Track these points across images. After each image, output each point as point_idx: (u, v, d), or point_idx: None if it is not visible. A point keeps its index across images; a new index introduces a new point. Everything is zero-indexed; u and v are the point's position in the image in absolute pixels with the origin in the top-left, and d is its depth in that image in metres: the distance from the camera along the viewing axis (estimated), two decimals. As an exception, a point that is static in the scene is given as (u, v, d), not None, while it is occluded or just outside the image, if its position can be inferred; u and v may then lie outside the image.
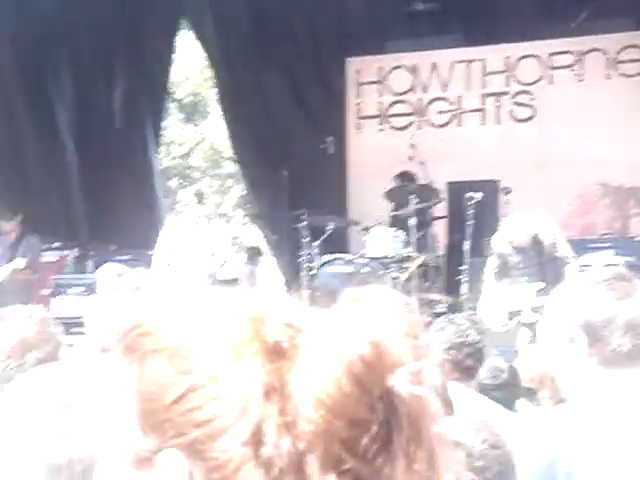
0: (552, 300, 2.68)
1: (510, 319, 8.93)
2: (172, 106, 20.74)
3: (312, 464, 0.89)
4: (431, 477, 0.93)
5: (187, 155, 27.64)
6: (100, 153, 13.57)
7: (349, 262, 10.39)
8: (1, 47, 12.76)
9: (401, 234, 10.65)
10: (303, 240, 10.67)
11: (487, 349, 4.66)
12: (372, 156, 13.60)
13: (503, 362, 5.00)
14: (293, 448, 0.89)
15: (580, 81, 13.10)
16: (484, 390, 4.58)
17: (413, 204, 10.51)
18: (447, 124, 13.83)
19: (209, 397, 0.92)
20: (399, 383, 0.91)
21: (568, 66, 13.15)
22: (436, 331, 4.48)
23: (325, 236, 10.63)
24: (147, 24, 14.11)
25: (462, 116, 13.78)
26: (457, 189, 11.35)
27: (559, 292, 2.68)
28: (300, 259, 10.66)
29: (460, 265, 10.06)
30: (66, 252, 11.71)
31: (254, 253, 14.53)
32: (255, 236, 16.64)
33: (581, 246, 10.83)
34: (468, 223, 9.91)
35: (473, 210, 9.92)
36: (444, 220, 11.98)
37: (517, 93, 13.49)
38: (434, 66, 13.84)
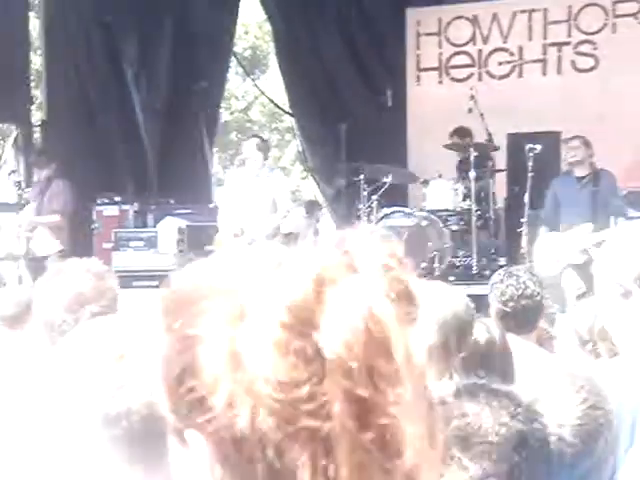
0: (607, 252, 2.63)
1: (558, 261, 8.95)
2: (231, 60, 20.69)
3: (277, 435, 0.89)
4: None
5: (247, 109, 27.70)
6: (162, 107, 13.65)
7: (409, 215, 10.36)
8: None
9: (460, 186, 10.60)
10: (362, 193, 10.65)
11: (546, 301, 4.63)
12: (432, 108, 13.49)
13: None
14: (254, 419, 0.89)
15: (644, 30, 12.85)
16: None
17: (472, 157, 10.44)
18: (508, 75, 13.66)
19: (195, 377, 0.93)
20: (326, 342, 0.90)
21: (632, 14, 12.89)
22: (495, 283, 4.47)
23: (384, 189, 10.60)
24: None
25: (523, 67, 13.60)
26: (517, 141, 11.23)
27: (614, 244, 2.63)
28: (359, 212, 10.65)
29: (520, 217, 9.98)
30: (127, 206, 11.82)
31: (313, 207, 14.55)
32: (314, 190, 16.62)
33: (644, 197, 10.71)
34: (528, 175, 9.82)
35: (533, 162, 9.82)
36: (504, 173, 11.87)
37: (579, 43, 13.26)
38: (494, 16, 13.64)
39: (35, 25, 14.00)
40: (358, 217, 10.60)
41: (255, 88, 21.46)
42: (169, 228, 11.18)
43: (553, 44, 13.44)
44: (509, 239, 10.96)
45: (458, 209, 10.57)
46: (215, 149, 17.37)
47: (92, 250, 10.88)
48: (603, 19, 13.09)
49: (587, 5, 13.12)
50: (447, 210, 10.58)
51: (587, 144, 9.56)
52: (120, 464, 1.74)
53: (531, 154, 9.82)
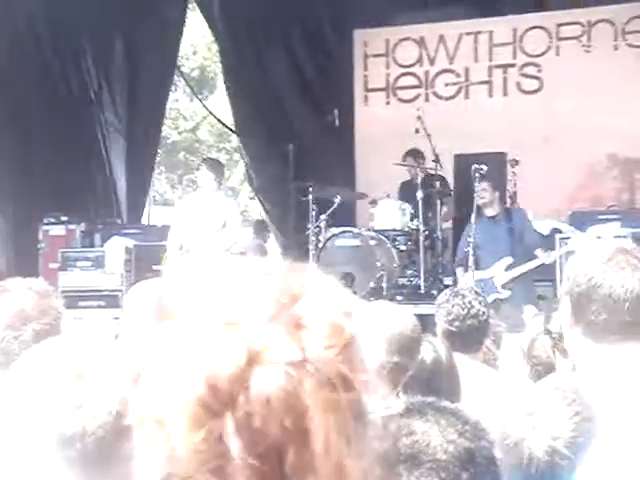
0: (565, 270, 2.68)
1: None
2: (179, 80, 20.68)
3: None
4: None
5: (195, 129, 27.64)
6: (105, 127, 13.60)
7: (357, 235, 10.40)
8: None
9: (408, 207, 10.66)
10: (310, 213, 10.67)
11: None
12: (379, 129, 13.57)
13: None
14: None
15: (587, 52, 13.05)
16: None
17: (419, 179, 10.55)
18: (454, 96, 13.79)
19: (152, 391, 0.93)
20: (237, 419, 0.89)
21: (575, 37, 13.09)
22: (441, 303, 4.51)
23: (332, 209, 10.63)
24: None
25: (469, 88, 13.74)
26: (464, 161, 11.32)
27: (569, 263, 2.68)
28: (307, 232, 10.67)
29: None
30: (73, 226, 11.74)
31: (261, 227, 14.55)
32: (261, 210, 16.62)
33: (588, 218, 10.87)
34: (474, 195, 9.92)
35: (479, 183, 9.92)
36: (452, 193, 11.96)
37: (524, 65, 13.44)
38: (441, 38, 13.78)
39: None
40: (306, 237, 10.62)
41: (203, 108, 21.43)
42: (116, 248, 11.12)
43: (498, 66, 13.60)
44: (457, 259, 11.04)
45: (406, 229, 10.63)
46: (162, 168, 17.32)
47: (38, 270, 10.79)
48: (547, 42, 13.27)
49: (531, 28, 13.30)
50: (395, 230, 10.62)
51: (495, 187, 9.78)
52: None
53: (477, 175, 9.91)
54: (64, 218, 11.79)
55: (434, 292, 9.52)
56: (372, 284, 9.82)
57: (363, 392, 0.95)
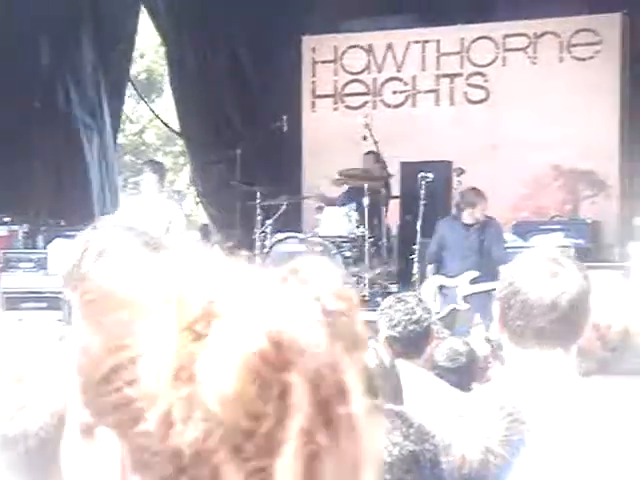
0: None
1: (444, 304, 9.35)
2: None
3: (219, 457, 0.86)
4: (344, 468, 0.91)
5: (141, 132, 27.48)
6: (53, 128, 13.44)
7: (302, 240, 10.41)
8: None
9: (354, 213, 10.69)
10: (256, 218, 10.66)
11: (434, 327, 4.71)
12: (327, 135, 13.60)
13: (462, 344, 5.00)
14: (198, 437, 0.86)
15: (533, 64, 13.18)
16: (441, 373, 4.63)
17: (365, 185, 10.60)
18: (401, 104, 13.85)
19: (127, 380, 0.89)
20: (298, 380, 0.88)
21: (522, 49, 13.22)
22: (384, 309, 4.53)
23: (278, 214, 10.63)
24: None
25: (416, 96, 13.81)
26: (410, 169, 11.39)
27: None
28: (253, 237, 10.66)
29: (412, 245, 10.13)
30: (16, 227, 11.61)
31: (207, 231, 14.50)
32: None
33: (532, 228, 10.99)
34: (420, 203, 9.98)
35: (425, 190, 9.99)
36: (397, 200, 12.02)
37: (471, 74, 13.54)
38: (389, 46, 13.84)
39: None
40: (252, 242, 10.61)
41: (150, 111, 21.30)
42: (59, 249, 11.01)
43: (446, 75, 13.68)
44: (401, 266, 11.10)
45: (352, 235, 10.65)
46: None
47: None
48: (494, 52, 13.38)
49: (479, 38, 13.40)
50: (341, 236, 10.65)
51: (485, 197, 9.76)
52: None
53: (423, 182, 9.98)
54: (7, 219, 11.65)
55: (379, 299, 9.55)
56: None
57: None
